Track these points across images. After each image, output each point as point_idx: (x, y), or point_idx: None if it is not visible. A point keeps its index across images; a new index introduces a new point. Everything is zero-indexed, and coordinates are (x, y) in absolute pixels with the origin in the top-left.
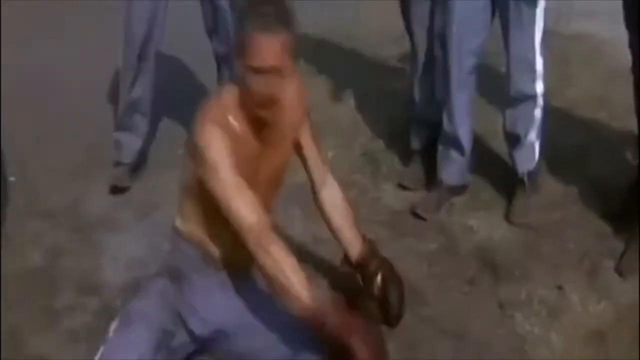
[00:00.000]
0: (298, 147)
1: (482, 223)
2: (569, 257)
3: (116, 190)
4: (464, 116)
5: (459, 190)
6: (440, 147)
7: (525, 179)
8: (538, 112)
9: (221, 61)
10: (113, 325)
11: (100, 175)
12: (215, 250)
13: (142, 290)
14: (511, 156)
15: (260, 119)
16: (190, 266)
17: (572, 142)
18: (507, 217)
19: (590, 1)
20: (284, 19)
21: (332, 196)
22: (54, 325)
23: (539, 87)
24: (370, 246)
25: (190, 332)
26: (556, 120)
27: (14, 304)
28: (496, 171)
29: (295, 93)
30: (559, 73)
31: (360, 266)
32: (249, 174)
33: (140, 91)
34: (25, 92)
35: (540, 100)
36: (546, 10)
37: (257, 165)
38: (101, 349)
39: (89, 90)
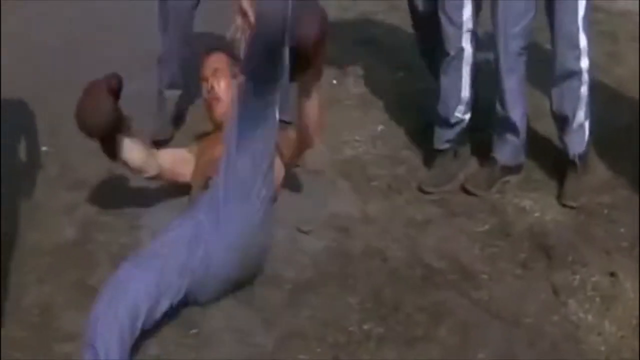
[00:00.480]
0: None
1: (535, 204)
2: (621, 243)
3: (156, 144)
4: (516, 99)
5: (513, 170)
6: (494, 131)
7: (577, 160)
8: (584, 90)
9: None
10: None
11: None
12: None
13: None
14: (561, 139)
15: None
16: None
17: (621, 122)
18: (560, 199)
19: None
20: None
21: None
22: (88, 302)
23: (584, 63)
24: None
25: None
26: (604, 99)
27: (47, 279)
28: (547, 151)
29: None
30: (607, 51)
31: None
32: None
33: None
34: (57, 56)
35: (585, 77)
36: None
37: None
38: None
39: (125, 55)
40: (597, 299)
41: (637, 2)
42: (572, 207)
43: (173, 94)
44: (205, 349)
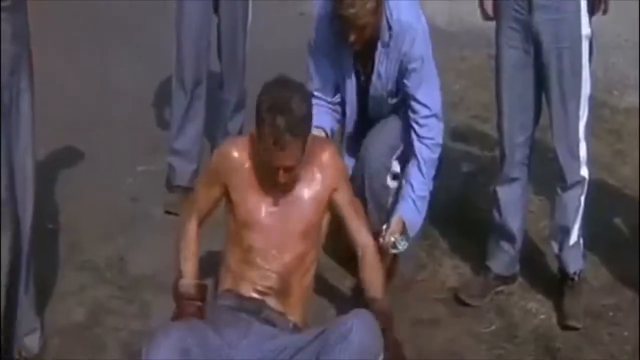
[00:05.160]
0: (334, 209)
1: (541, 306)
2: (624, 346)
3: (170, 214)
4: (516, 208)
5: (508, 280)
6: (490, 239)
7: (577, 278)
8: (583, 200)
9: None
10: None
11: (147, 229)
12: (243, 289)
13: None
14: (559, 257)
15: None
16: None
17: (627, 222)
18: (562, 320)
19: None
20: (296, 129)
21: (370, 267)
22: None
23: (584, 172)
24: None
25: None
26: (610, 198)
27: None
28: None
29: (317, 161)
30: (613, 149)
31: None
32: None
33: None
34: (65, 128)
35: (585, 186)
36: (589, 99)
37: (278, 211)
38: None
39: (131, 130)
40: None
41: None
42: (576, 329)
43: (186, 166)
44: None
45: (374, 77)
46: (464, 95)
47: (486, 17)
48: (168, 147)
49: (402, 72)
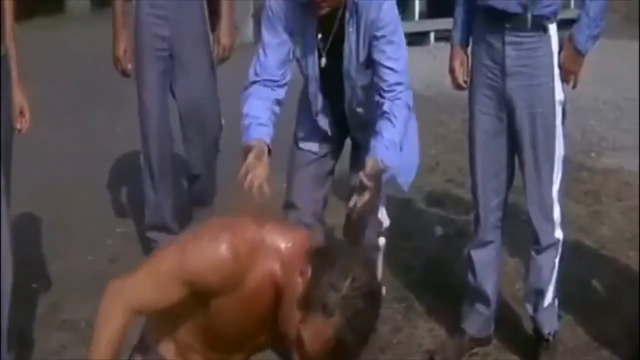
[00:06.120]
0: None
1: None
2: None
3: None
4: (491, 270)
5: (482, 341)
6: (464, 301)
7: (551, 339)
8: (557, 261)
9: None
10: None
11: None
12: None
13: None
14: (534, 318)
15: None
16: None
17: (603, 282)
18: None
19: (620, 134)
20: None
21: None
22: None
23: (559, 234)
24: None
25: None
26: (587, 259)
27: None
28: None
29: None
30: (591, 210)
31: None
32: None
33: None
34: (44, 189)
35: (559, 248)
36: (563, 161)
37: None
38: None
39: (110, 192)
40: None
41: (619, 159)
42: None
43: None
44: None
45: (346, 50)
46: (440, 159)
47: (457, 86)
48: (145, 222)
49: (372, 42)
